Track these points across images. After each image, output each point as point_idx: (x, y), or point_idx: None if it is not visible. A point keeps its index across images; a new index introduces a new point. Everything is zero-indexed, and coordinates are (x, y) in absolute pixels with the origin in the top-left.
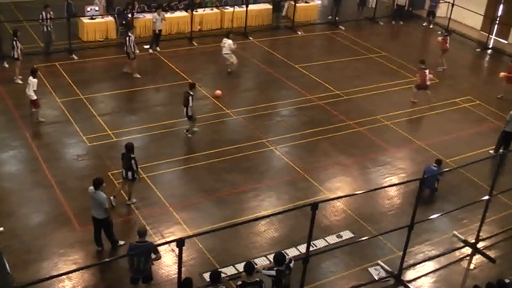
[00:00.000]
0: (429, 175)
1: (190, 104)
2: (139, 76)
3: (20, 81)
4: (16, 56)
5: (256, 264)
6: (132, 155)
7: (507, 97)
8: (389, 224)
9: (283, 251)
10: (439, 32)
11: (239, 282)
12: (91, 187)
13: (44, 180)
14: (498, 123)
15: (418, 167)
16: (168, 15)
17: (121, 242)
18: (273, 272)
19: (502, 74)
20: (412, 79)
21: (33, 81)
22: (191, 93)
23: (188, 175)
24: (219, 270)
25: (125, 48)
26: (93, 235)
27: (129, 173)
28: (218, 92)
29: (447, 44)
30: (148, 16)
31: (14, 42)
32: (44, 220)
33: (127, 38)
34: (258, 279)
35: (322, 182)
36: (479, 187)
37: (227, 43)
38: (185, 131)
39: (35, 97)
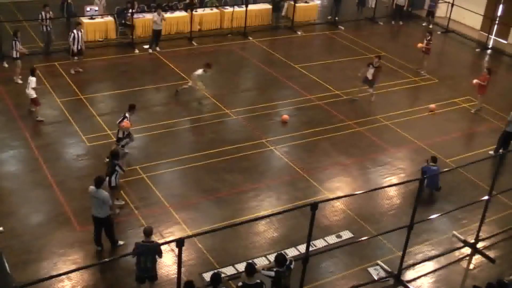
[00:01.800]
0: (431, 175)
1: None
2: (81, 70)
3: (20, 81)
4: (16, 56)
5: (256, 264)
6: (116, 161)
7: (486, 108)
8: (388, 224)
9: (283, 252)
10: (439, 33)
11: (240, 283)
12: (92, 186)
13: (44, 180)
14: (498, 123)
15: (417, 167)
16: (167, 15)
17: (121, 242)
18: (272, 273)
19: (475, 81)
20: (412, 79)
21: (32, 79)
22: (128, 115)
23: (188, 175)
24: (219, 271)
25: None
26: (92, 235)
27: (108, 179)
28: (285, 117)
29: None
30: (148, 16)
31: (14, 42)
32: (43, 220)
33: (71, 34)
34: (259, 281)
35: (322, 182)
36: (479, 187)
37: (197, 73)
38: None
39: (34, 96)
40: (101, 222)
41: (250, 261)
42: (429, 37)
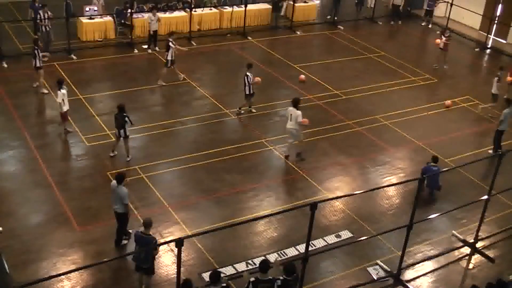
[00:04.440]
0: (431, 174)
1: (247, 84)
2: (164, 83)
3: (45, 91)
4: (39, 65)
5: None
6: (125, 114)
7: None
8: (388, 224)
9: (291, 262)
10: (438, 32)
11: (252, 279)
12: (114, 182)
13: (43, 180)
14: (497, 123)
15: (417, 167)
16: (167, 15)
17: (124, 242)
18: (278, 282)
19: (509, 78)
20: (412, 78)
21: (59, 93)
22: (248, 74)
23: (187, 175)
24: (219, 270)
25: (166, 56)
26: (93, 234)
27: (122, 131)
28: (302, 77)
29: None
30: (147, 16)
31: (36, 51)
32: (43, 220)
33: (169, 46)
34: (271, 277)
35: (321, 182)
36: (478, 186)
37: (295, 114)
38: (238, 108)
39: (63, 110)
40: (118, 216)
41: (266, 258)
42: (448, 34)
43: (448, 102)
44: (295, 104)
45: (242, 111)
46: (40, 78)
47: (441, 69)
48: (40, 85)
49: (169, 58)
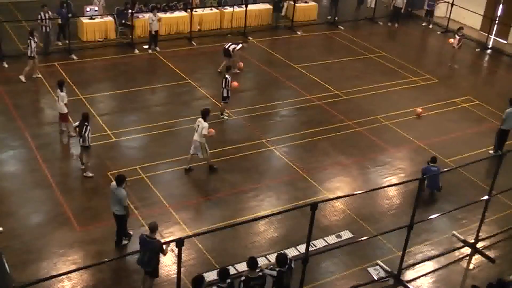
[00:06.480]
0: (430, 175)
1: (224, 87)
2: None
3: (24, 79)
4: (31, 55)
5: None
6: (86, 123)
7: None
8: (388, 224)
9: (283, 251)
10: (439, 32)
11: (243, 278)
12: (113, 183)
13: (44, 180)
14: (497, 123)
15: (417, 167)
16: (167, 15)
17: (125, 242)
18: (274, 273)
19: None
20: (412, 78)
21: (61, 94)
22: (227, 76)
23: (188, 175)
24: (227, 267)
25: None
26: (93, 234)
27: (80, 140)
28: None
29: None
30: (148, 16)
31: (29, 41)
32: (43, 220)
33: (234, 46)
34: (261, 274)
35: (322, 182)
36: (479, 187)
37: (202, 125)
38: (220, 114)
39: (65, 111)
40: (116, 218)
41: (254, 256)
42: (462, 32)
43: (419, 110)
44: (203, 115)
45: (226, 116)
46: (27, 67)
47: (442, 69)
48: (24, 73)
49: (231, 48)
